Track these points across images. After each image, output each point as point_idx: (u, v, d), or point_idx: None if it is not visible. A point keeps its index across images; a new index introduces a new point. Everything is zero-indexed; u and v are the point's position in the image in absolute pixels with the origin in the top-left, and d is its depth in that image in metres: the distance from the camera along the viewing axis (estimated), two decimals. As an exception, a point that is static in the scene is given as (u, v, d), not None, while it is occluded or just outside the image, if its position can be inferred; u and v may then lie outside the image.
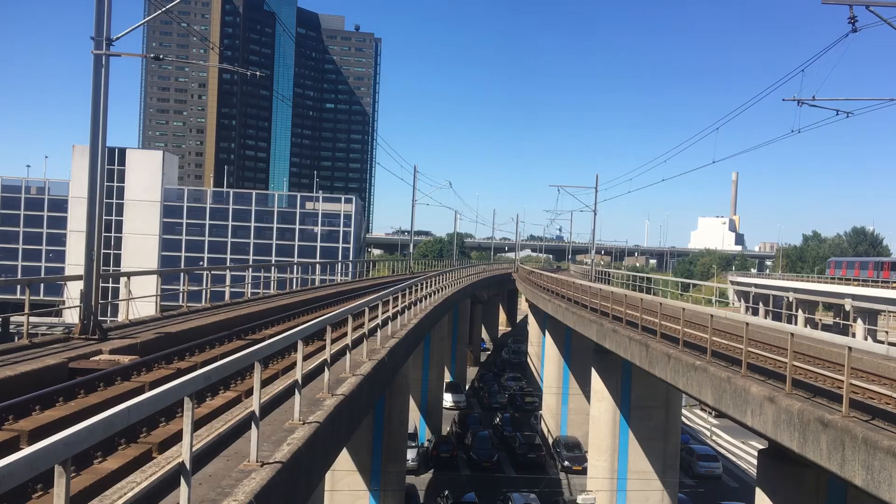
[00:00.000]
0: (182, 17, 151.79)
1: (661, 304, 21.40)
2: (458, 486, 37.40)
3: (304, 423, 8.74)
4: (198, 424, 7.93)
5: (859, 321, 67.06)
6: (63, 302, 63.86)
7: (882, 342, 23.94)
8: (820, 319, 51.22)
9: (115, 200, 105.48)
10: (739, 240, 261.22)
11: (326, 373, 10.68)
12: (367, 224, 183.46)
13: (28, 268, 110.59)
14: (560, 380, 49.07)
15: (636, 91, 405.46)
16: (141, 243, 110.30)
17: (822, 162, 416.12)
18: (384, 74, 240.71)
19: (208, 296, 21.91)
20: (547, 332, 53.38)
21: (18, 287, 77.24)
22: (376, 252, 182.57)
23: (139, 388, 10.21)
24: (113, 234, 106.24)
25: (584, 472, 37.87)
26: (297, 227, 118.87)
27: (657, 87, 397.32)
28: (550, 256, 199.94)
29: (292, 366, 10.47)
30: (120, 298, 19.05)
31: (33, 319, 61.81)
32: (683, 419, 43.83)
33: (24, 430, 7.75)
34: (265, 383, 10.17)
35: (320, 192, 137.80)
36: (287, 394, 9.89)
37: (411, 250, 69.52)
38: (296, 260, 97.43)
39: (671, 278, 52.50)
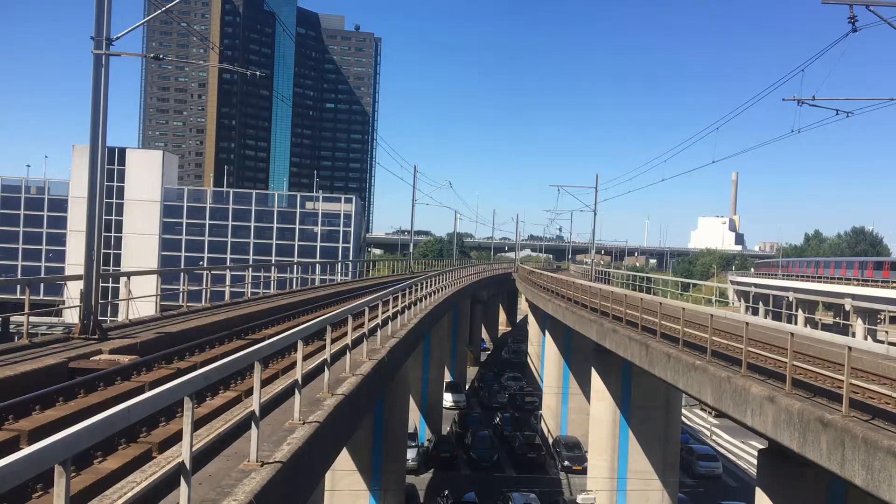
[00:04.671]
0: (182, 17, 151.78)
1: (661, 303, 21.39)
2: (458, 486, 37.39)
3: (304, 423, 8.74)
4: (198, 424, 7.92)
5: (859, 320, 67.11)
6: (63, 302, 63.78)
7: (882, 342, 23.93)
8: (820, 319, 51.26)
9: (115, 200, 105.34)
10: (739, 240, 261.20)
11: (326, 373, 10.68)
12: (367, 224, 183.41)
13: (28, 268, 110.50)
14: (560, 380, 49.05)
15: (636, 91, 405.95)
16: (141, 243, 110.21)
17: (822, 162, 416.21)
18: (384, 74, 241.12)
19: (208, 296, 21.91)
20: (547, 332, 53.37)
21: (18, 287, 77.14)
22: (376, 252, 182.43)
23: (139, 387, 10.21)
24: (113, 234, 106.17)
25: (584, 471, 37.87)
26: (297, 226, 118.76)
27: (657, 86, 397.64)
28: (550, 256, 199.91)
29: (292, 366, 10.46)
30: (120, 298, 19.06)
31: (33, 319, 61.82)
32: (683, 419, 43.84)
33: (24, 430, 7.74)
34: (265, 383, 10.16)
35: (320, 191, 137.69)
36: (287, 394, 9.88)
37: (411, 250, 69.60)
38: (296, 260, 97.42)
39: (671, 278, 52.53)
